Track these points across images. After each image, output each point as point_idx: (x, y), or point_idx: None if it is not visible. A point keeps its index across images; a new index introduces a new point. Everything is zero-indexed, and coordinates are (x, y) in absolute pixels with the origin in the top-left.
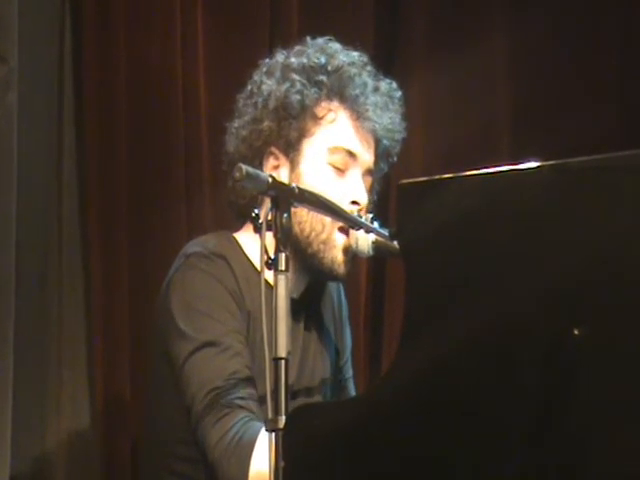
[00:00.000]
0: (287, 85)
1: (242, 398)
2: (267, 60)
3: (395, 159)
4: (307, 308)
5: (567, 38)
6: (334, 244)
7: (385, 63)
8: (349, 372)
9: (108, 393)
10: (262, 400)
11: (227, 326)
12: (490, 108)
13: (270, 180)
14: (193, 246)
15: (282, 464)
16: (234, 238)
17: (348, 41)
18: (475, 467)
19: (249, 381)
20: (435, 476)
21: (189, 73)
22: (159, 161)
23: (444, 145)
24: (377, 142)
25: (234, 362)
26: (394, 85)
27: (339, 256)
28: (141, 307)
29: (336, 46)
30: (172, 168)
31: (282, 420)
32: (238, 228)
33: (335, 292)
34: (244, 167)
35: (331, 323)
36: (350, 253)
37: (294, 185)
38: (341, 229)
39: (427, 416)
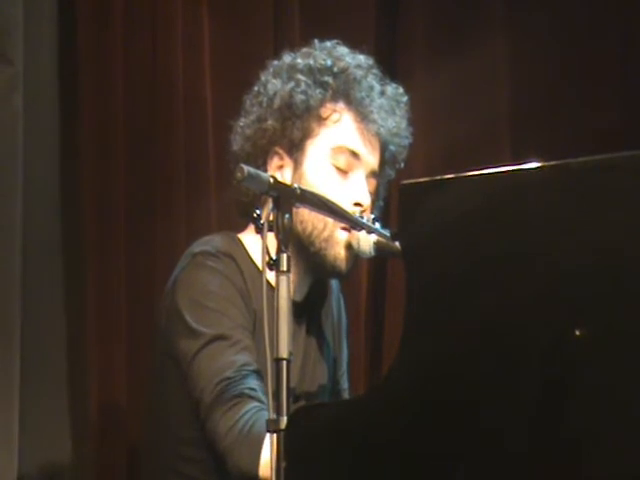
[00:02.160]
0: (292, 85)
1: (252, 389)
2: (275, 62)
3: (402, 165)
4: (309, 312)
5: (568, 37)
6: (336, 241)
7: (386, 63)
8: (345, 384)
9: (104, 401)
10: None
11: (235, 321)
12: (491, 108)
13: (271, 181)
14: (199, 245)
15: (284, 464)
16: (238, 239)
17: (349, 41)
18: (475, 466)
19: (258, 374)
20: (436, 476)
21: (193, 74)
22: (159, 163)
23: (445, 145)
24: (382, 146)
25: (243, 355)
26: (400, 90)
27: (342, 252)
28: (138, 313)
29: (343, 50)
30: (172, 170)
31: (284, 421)
32: (242, 229)
33: (336, 304)
34: (245, 168)
35: (330, 332)
36: (352, 250)
37: (296, 186)
38: (343, 227)
39: (428, 416)
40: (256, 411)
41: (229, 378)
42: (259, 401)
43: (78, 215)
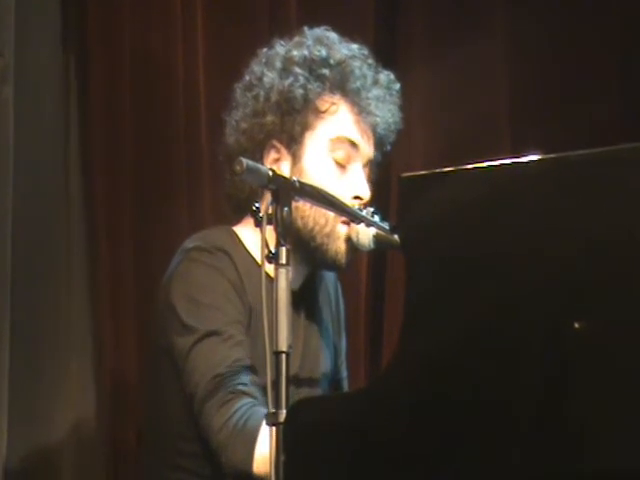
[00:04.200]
0: (290, 79)
1: (245, 384)
2: (265, 51)
3: (389, 148)
4: (306, 300)
5: (567, 31)
6: (338, 236)
7: (386, 55)
8: (344, 372)
9: (115, 382)
10: (264, 393)
11: (229, 316)
12: (491, 101)
13: (271, 174)
14: (193, 241)
15: (282, 458)
16: (234, 232)
17: (348, 34)
18: (475, 460)
19: (251, 369)
20: (436, 469)
21: (189, 65)
22: (161, 153)
23: (445, 138)
24: (375, 134)
25: (236, 350)
26: (392, 77)
27: (342, 247)
28: (147, 296)
29: (334, 37)
30: (173, 159)
31: (283, 414)
32: (237, 222)
33: (333, 291)
34: (244, 161)
35: (329, 319)
36: (352, 243)
37: (295, 179)
38: (343, 221)
39: (428, 409)
40: (250, 407)
41: (222, 374)
42: (252, 396)
43: (84, 207)
